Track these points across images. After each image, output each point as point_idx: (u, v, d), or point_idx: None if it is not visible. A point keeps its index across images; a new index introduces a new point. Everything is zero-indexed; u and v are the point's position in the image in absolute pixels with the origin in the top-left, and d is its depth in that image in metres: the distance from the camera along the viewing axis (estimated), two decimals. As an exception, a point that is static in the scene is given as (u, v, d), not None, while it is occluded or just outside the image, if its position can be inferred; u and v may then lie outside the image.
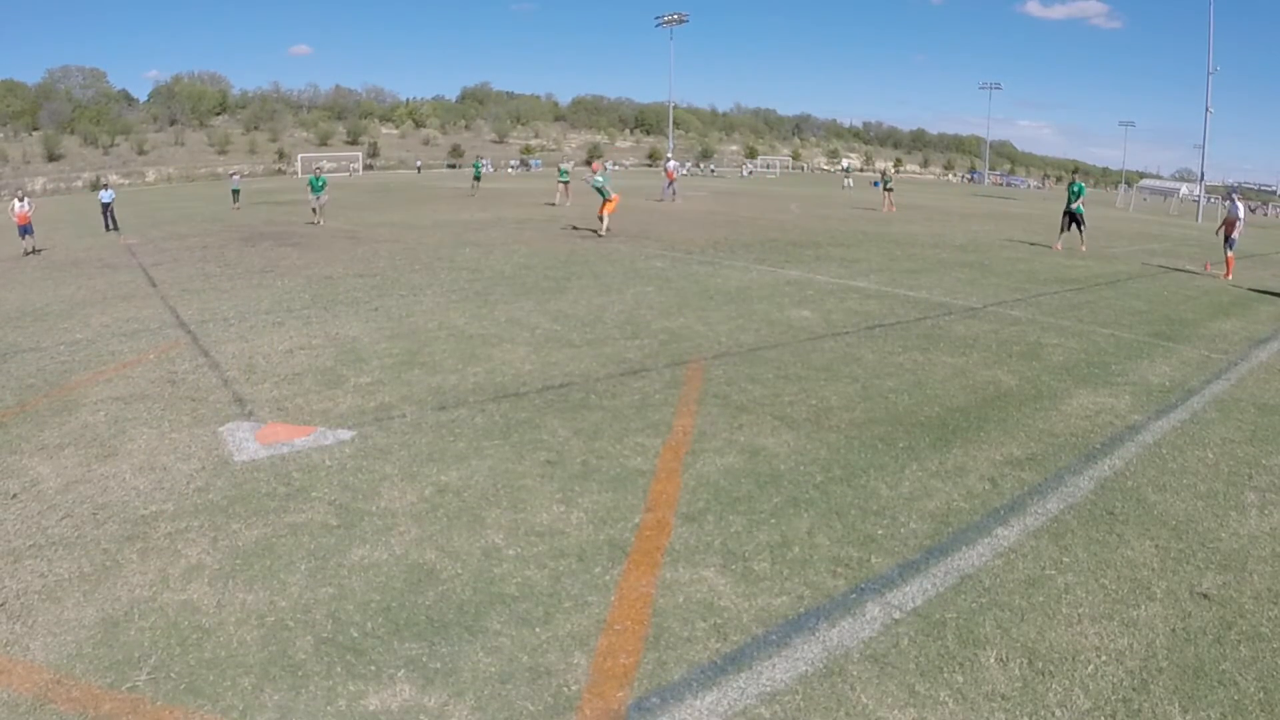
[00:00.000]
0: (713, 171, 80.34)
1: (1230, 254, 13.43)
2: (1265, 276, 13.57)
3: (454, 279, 10.48)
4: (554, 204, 24.92)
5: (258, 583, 3.09)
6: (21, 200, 16.61)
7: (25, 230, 15.90)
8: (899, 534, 3.59)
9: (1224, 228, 13.78)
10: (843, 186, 43.89)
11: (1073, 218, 16.47)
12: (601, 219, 16.08)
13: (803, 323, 8.09)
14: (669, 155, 41.63)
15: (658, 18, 69.26)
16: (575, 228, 15.89)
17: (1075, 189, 16.73)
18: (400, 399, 5.38)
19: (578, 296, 9.24)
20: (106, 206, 20.74)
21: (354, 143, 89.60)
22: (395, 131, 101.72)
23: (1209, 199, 41.88)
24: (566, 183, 26.18)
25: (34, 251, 15.53)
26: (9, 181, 63.57)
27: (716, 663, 2.66)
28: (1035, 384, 6.08)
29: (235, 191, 28.36)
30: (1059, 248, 16.21)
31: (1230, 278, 13.00)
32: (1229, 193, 16.68)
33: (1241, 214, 13.89)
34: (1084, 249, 16.13)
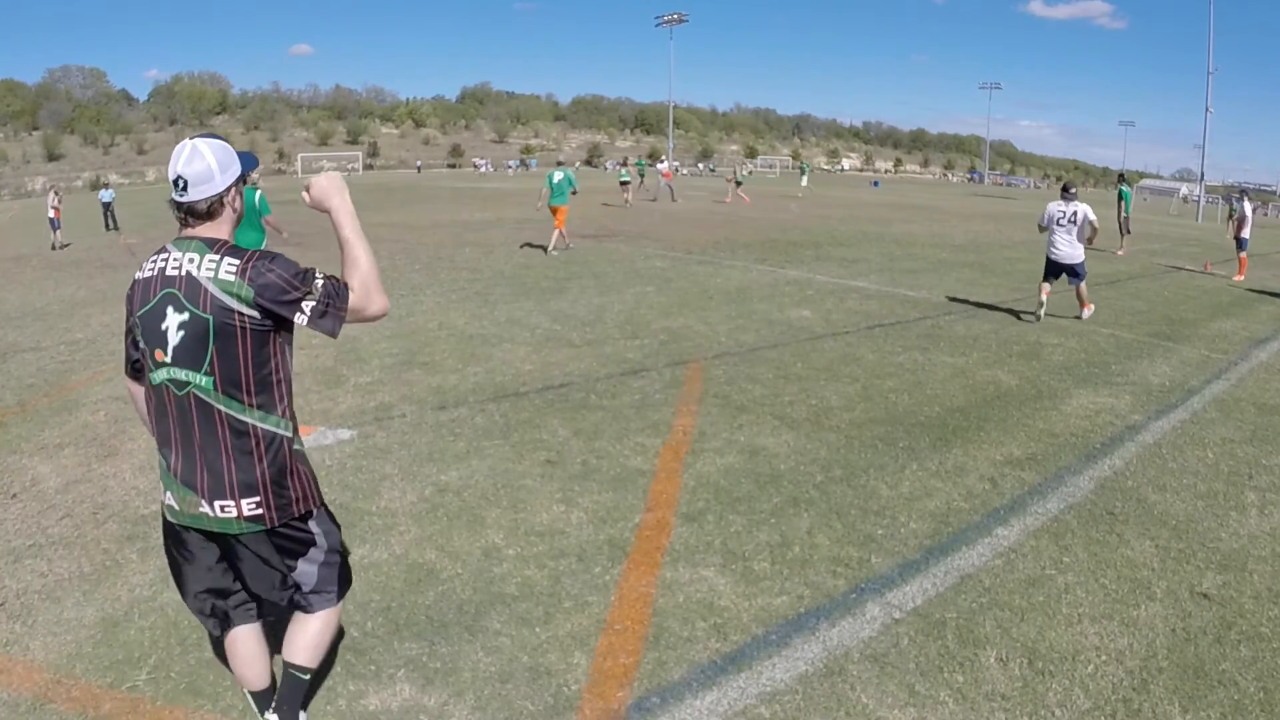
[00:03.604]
0: (712, 171, 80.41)
1: (1242, 255, 13.41)
2: (1265, 276, 13.56)
3: (454, 279, 10.48)
4: (626, 203, 25.33)
5: (258, 583, 3.09)
6: (56, 195, 17.73)
7: (56, 224, 16.42)
8: (899, 534, 3.59)
9: (1235, 228, 13.85)
10: (800, 188, 37.00)
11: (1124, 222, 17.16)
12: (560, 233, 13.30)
13: (803, 322, 8.09)
14: (664, 158, 41.81)
15: (658, 18, 69.43)
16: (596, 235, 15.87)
17: (1126, 194, 17.76)
18: (400, 399, 5.38)
19: (578, 296, 9.24)
20: (107, 206, 20.81)
21: (354, 143, 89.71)
22: (395, 131, 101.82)
23: (1209, 199, 41.87)
24: (627, 182, 26.83)
25: (61, 246, 15.86)
26: (9, 181, 63.58)
27: (716, 663, 2.66)
28: (1035, 384, 6.08)
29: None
30: (1122, 252, 16.40)
31: (1242, 278, 12.91)
32: (1242, 193, 16.87)
33: (1248, 212, 13.93)
34: (1122, 252, 16.33)
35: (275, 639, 2.32)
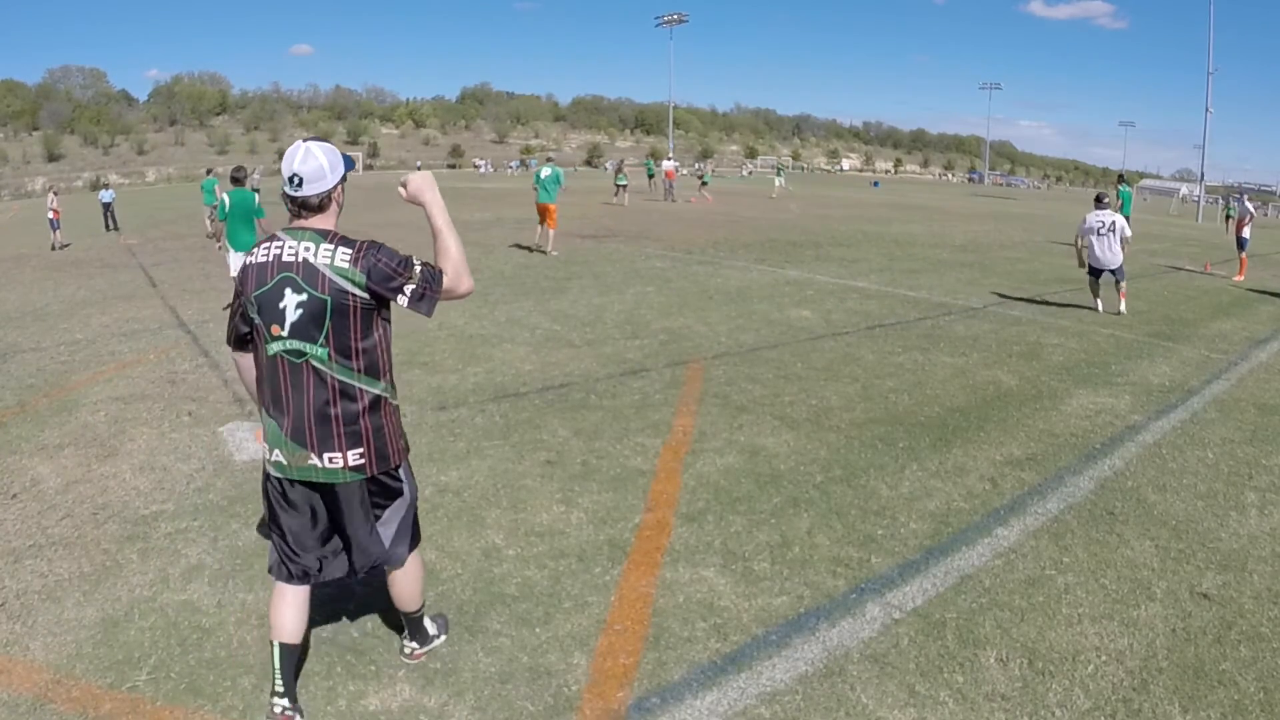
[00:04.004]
0: (712, 171, 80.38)
1: (1243, 255, 13.42)
2: (1265, 276, 13.56)
3: (454, 279, 10.46)
4: (612, 203, 26.22)
5: (258, 583, 3.09)
6: (55, 194, 17.92)
7: (55, 225, 16.44)
8: (899, 534, 3.59)
9: (1235, 227, 13.90)
10: (775, 189, 36.70)
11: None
12: (546, 235, 12.92)
13: (803, 323, 8.09)
14: (669, 156, 41.83)
15: (658, 18, 69.41)
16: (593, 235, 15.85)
17: (1125, 194, 18.20)
18: (400, 399, 5.37)
19: (578, 296, 9.24)
20: (107, 206, 20.80)
21: (354, 143, 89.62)
22: (395, 131, 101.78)
23: (1209, 199, 41.87)
24: (624, 185, 27.63)
25: (61, 246, 15.87)
26: (9, 181, 63.59)
27: (716, 663, 2.65)
28: (1035, 384, 6.08)
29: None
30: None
31: (1243, 278, 12.93)
32: (1242, 193, 17.07)
33: (1251, 210, 14.02)
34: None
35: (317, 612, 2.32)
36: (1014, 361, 6.75)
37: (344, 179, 2.26)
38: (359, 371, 2.22)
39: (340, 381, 2.20)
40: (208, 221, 17.80)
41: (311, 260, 2.15)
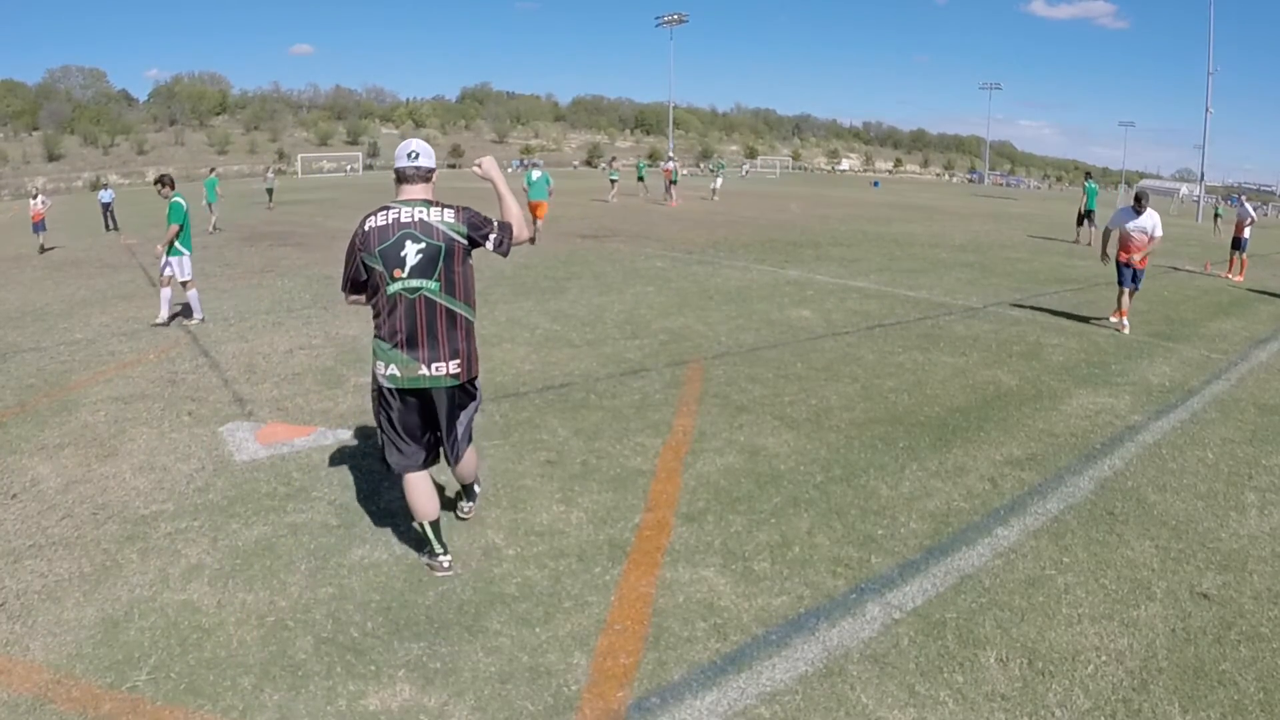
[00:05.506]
0: (711, 171, 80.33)
1: (1244, 256, 13.44)
2: (1265, 276, 13.57)
3: (454, 279, 10.45)
4: (607, 201, 27.60)
5: (258, 583, 3.09)
6: (35, 197, 17.04)
7: (38, 227, 16.09)
8: (899, 534, 3.59)
9: (1235, 229, 13.94)
10: (712, 191, 32.90)
11: (1087, 215, 18.56)
12: (535, 225, 14.70)
13: (803, 322, 8.09)
14: (670, 156, 41.57)
15: (658, 18, 69.26)
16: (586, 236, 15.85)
17: (1091, 189, 19.05)
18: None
19: (578, 296, 9.24)
20: (106, 206, 20.76)
21: (354, 143, 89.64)
22: (395, 131, 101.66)
23: (1209, 199, 41.85)
24: (615, 180, 29.77)
25: (44, 249, 15.62)
26: (9, 181, 63.58)
27: (716, 663, 2.66)
28: (1035, 384, 6.08)
29: (269, 190, 28.25)
30: (1080, 241, 18.02)
31: (1243, 279, 12.95)
32: (1240, 195, 17.44)
33: (1251, 212, 14.10)
34: (1091, 244, 17.00)
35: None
36: (1014, 361, 6.75)
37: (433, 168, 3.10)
38: (459, 299, 3.02)
39: (446, 308, 2.98)
40: (212, 219, 17.89)
41: (426, 219, 2.96)
